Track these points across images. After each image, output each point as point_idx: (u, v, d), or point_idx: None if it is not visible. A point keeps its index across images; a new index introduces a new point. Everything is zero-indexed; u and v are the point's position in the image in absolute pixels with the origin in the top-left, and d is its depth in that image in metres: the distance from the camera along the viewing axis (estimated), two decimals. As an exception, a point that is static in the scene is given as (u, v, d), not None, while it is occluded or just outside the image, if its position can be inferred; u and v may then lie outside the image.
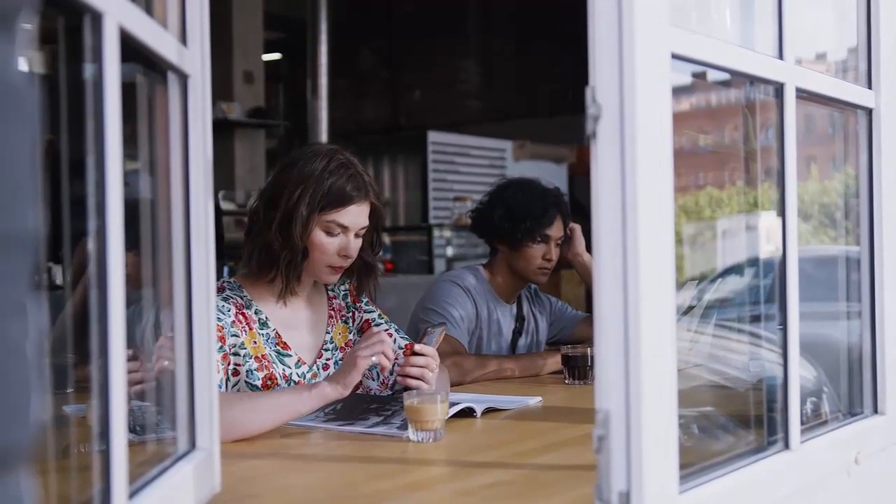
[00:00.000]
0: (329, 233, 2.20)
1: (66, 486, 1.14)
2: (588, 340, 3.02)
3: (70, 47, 1.03)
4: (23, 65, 0.55)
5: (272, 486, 1.62)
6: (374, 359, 2.00)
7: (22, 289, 0.53)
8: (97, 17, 1.00)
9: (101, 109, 1.01)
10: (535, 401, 2.36)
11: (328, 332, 2.35)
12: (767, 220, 1.87)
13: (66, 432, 1.32)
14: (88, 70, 1.01)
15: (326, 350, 2.34)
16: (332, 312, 2.38)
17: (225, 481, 1.45)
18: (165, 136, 1.35)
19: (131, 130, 1.21)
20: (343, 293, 2.43)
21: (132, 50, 1.12)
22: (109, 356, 1.01)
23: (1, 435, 0.52)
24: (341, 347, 2.36)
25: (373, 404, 2.15)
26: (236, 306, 2.19)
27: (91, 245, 1.01)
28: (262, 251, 2.20)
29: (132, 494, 1.09)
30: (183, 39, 1.35)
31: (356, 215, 2.21)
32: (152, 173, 1.37)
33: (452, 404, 2.03)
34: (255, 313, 2.22)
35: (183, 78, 1.35)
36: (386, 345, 2.02)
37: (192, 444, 1.38)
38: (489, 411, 2.19)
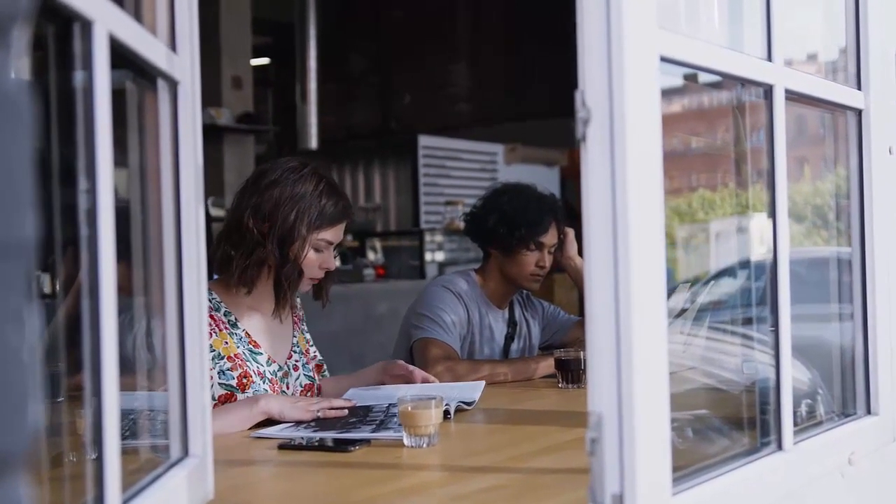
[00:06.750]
0: (317, 249, 2.32)
1: (59, 494, 1.14)
2: (581, 344, 3.02)
3: (59, 54, 1.03)
4: (18, 73, 0.55)
5: (265, 494, 1.62)
6: (320, 413, 2.13)
7: (20, 296, 0.53)
8: (87, 25, 1.00)
9: (92, 116, 1.01)
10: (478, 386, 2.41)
11: (294, 337, 2.47)
12: (760, 222, 1.87)
13: (58, 441, 1.32)
14: (78, 77, 1.01)
15: (295, 352, 2.45)
16: (296, 320, 2.51)
17: (218, 488, 1.45)
18: (155, 142, 1.35)
19: (120, 137, 1.20)
20: (299, 305, 2.56)
21: (121, 56, 1.11)
22: (102, 364, 1.01)
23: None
24: (304, 352, 2.49)
25: (358, 415, 2.13)
26: None
27: (83, 253, 1.00)
28: (255, 266, 2.28)
29: (125, 502, 1.08)
30: (172, 46, 1.35)
31: (341, 232, 2.37)
32: (142, 180, 1.37)
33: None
34: (225, 315, 2.31)
35: (173, 84, 1.35)
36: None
37: (185, 451, 1.37)
38: (460, 411, 2.22)
